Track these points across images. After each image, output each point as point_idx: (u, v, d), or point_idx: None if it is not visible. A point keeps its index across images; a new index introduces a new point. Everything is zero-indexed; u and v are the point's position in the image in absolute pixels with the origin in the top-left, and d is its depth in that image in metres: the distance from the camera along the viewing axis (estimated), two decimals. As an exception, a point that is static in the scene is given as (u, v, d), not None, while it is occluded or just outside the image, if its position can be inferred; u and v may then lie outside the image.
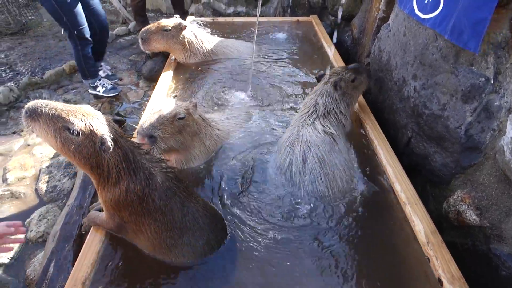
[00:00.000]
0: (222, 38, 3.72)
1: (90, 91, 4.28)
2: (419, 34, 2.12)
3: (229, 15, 6.32)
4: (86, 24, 3.72)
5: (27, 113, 1.39)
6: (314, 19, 4.51)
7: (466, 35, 1.69)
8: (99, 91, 4.23)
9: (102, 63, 4.63)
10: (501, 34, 1.70)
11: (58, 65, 5.07)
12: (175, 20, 3.39)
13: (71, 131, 1.37)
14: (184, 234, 1.60)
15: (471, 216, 1.84)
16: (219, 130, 2.46)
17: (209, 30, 4.05)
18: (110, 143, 1.40)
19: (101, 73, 4.50)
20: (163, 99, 2.75)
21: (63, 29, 3.73)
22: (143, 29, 3.43)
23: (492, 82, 1.75)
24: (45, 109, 1.37)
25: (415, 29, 2.15)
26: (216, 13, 6.40)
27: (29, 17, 6.47)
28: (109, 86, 4.29)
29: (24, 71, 4.97)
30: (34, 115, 1.38)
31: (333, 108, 2.32)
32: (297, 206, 2.02)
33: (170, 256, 1.65)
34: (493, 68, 1.74)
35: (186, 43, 3.43)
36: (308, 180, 2.05)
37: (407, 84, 2.29)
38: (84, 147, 1.40)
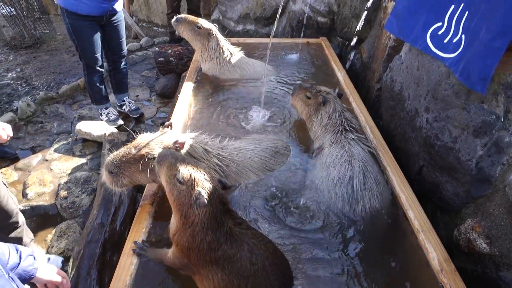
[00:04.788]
0: (243, 55, 3.84)
1: (99, 110, 4.33)
2: (432, 71, 2.25)
3: (238, 32, 6.49)
4: (97, 54, 3.76)
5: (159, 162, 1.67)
6: (323, 41, 4.65)
7: (473, 77, 1.82)
8: (102, 119, 4.28)
9: (125, 98, 4.58)
10: (510, 76, 1.82)
11: (72, 80, 5.21)
12: (210, 25, 3.60)
13: (178, 179, 1.57)
14: (249, 283, 1.60)
15: (482, 245, 1.94)
16: (226, 163, 2.29)
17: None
18: (204, 200, 1.52)
19: (124, 107, 4.54)
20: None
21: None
22: (183, 15, 3.69)
23: (502, 119, 1.87)
24: (169, 159, 1.65)
25: (429, 65, 2.28)
26: (225, 30, 6.56)
27: (43, 31, 6.63)
28: (112, 117, 4.30)
29: (39, 85, 5.11)
30: (160, 161, 1.66)
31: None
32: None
33: None
34: (503, 107, 1.86)
35: (207, 47, 3.62)
36: (367, 197, 2.24)
37: (419, 115, 2.42)
38: (183, 196, 1.57)
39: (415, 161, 2.54)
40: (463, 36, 1.94)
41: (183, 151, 2.08)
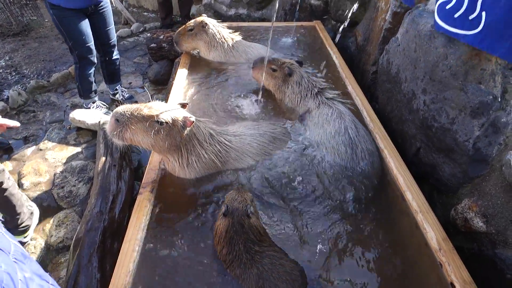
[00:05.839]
0: (243, 40, 3.82)
1: (84, 105, 4.20)
2: (429, 52, 2.24)
3: (230, 17, 6.39)
4: (89, 43, 3.63)
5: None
6: (317, 24, 4.61)
7: None
8: None
9: (118, 86, 4.46)
10: (508, 56, 1.83)
11: (63, 68, 5.12)
12: (197, 19, 3.59)
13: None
14: None
15: (478, 223, 1.98)
16: (226, 149, 2.34)
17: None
18: (223, 212, 1.82)
19: (117, 96, 4.43)
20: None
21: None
22: (175, 34, 3.72)
23: (499, 100, 1.88)
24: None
25: (426, 47, 2.27)
26: (217, 14, 6.46)
27: (31, 18, 6.47)
28: (103, 110, 4.19)
29: (29, 73, 5.01)
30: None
31: None
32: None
33: None
34: (500, 87, 1.87)
35: (208, 39, 3.62)
36: (363, 141, 2.52)
37: (416, 97, 2.43)
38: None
39: (412, 143, 2.56)
40: (483, 13, 1.87)
41: (189, 129, 2.12)
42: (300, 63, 3.08)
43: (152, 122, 1.98)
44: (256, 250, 1.76)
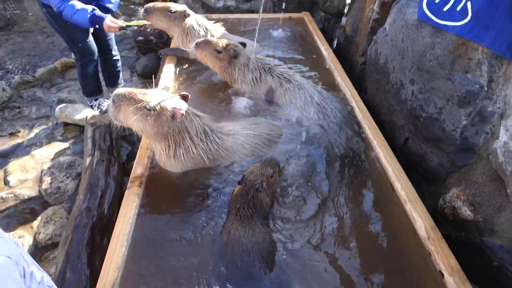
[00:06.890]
0: (226, 32, 3.75)
1: (88, 103, 4.05)
2: (417, 42, 2.24)
3: (218, 9, 6.32)
4: (90, 39, 3.49)
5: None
6: (306, 16, 4.59)
7: (504, 46, 1.76)
8: (94, 111, 3.97)
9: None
10: (494, 45, 1.84)
11: (49, 62, 5.01)
12: (183, 6, 3.52)
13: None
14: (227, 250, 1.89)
15: (466, 212, 2.00)
16: (217, 147, 2.32)
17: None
18: (239, 180, 2.09)
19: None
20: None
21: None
22: (150, 4, 3.56)
23: (486, 89, 1.89)
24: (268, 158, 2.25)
25: (414, 37, 2.27)
26: (205, 6, 6.38)
27: (14, 11, 6.32)
28: (106, 107, 3.97)
29: (14, 69, 4.90)
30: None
31: None
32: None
33: None
34: (487, 76, 1.88)
35: (186, 29, 3.54)
36: (329, 102, 2.81)
37: (404, 87, 2.43)
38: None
39: (400, 134, 2.57)
40: (469, 3, 1.89)
41: (179, 121, 2.11)
42: (244, 45, 3.07)
43: (141, 107, 2.01)
44: (245, 212, 1.97)
